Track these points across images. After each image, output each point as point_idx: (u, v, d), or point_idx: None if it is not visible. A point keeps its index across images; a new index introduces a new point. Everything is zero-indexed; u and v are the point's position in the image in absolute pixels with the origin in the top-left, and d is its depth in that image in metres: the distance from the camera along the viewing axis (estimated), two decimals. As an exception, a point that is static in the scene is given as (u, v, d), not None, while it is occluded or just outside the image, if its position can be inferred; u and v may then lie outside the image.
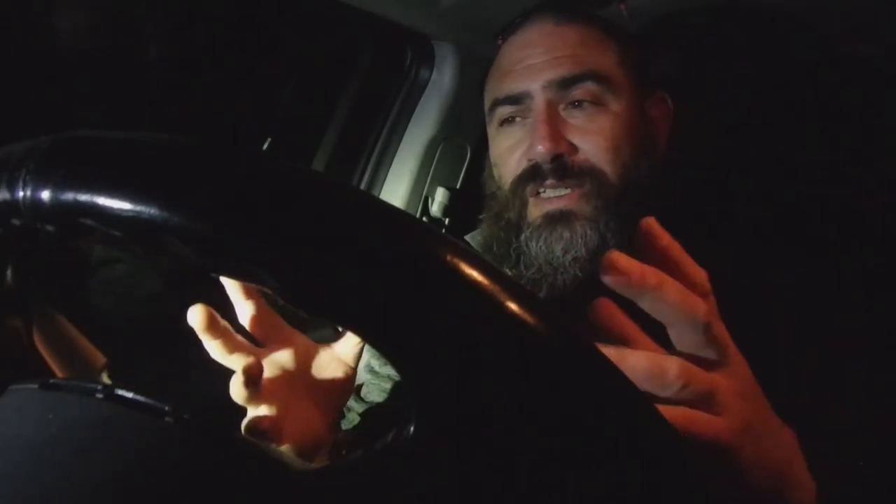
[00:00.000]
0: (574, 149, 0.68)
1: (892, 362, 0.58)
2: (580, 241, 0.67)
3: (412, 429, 0.25)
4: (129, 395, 0.27)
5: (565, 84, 0.69)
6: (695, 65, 1.06)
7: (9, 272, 0.33)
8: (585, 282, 0.67)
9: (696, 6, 0.95)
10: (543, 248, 0.68)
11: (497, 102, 0.74)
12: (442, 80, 1.15)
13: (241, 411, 0.52)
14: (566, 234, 0.67)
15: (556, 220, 0.68)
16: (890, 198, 1.07)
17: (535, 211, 0.70)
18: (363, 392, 0.82)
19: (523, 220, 0.71)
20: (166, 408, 0.26)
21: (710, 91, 1.06)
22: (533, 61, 0.71)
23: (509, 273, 0.73)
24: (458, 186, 1.23)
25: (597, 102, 0.69)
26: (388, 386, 0.78)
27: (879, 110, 1.08)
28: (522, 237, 0.70)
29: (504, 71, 0.74)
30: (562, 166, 0.68)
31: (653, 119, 0.74)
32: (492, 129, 0.77)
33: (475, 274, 0.23)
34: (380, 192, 1.20)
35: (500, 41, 0.78)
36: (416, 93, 1.17)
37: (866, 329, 0.62)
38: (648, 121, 0.73)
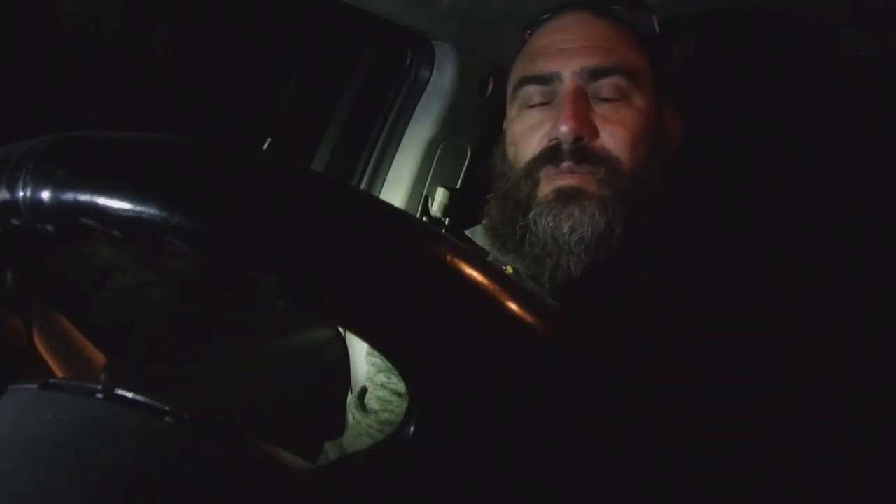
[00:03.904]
0: (596, 134, 0.68)
1: (892, 363, 0.59)
2: (588, 220, 0.66)
3: (412, 429, 0.25)
4: (129, 395, 0.27)
5: (596, 74, 0.69)
6: (697, 66, 1.06)
7: (9, 272, 0.33)
8: (588, 267, 0.67)
9: (696, 9, 0.95)
10: (551, 224, 0.67)
11: (524, 81, 0.73)
12: (442, 80, 1.15)
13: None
14: (576, 212, 0.67)
15: (568, 196, 0.68)
16: (892, 198, 1.07)
17: (547, 187, 0.70)
18: (366, 399, 0.81)
19: (533, 198, 0.70)
20: (166, 408, 0.26)
21: (713, 92, 1.06)
22: (566, 46, 0.71)
23: (513, 251, 0.73)
24: (458, 186, 1.23)
25: (622, 96, 0.69)
26: (393, 398, 0.78)
27: (883, 111, 1.08)
28: (531, 214, 0.69)
29: (535, 52, 0.74)
30: (581, 149, 0.68)
31: (667, 123, 0.75)
32: (513, 110, 0.76)
33: (476, 274, 0.23)
34: (380, 192, 1.20)
35: (527, 34, 0.79)
36: (416, 93, 1.17)
37: (868, 330, 0.62)
38: (663, 123, 0.74)
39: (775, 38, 1.03)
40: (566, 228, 0.67)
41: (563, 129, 0.67)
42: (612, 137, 0.68)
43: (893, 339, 0.61)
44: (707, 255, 0.68)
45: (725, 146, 1.10)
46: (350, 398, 0.84)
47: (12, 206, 0.27)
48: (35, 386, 0.29)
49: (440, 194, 1.20)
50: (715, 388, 0.54)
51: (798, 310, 0.61)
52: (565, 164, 0.68)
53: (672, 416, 0.26)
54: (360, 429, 0.79)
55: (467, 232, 0.83)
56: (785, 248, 0.70)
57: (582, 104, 0.69)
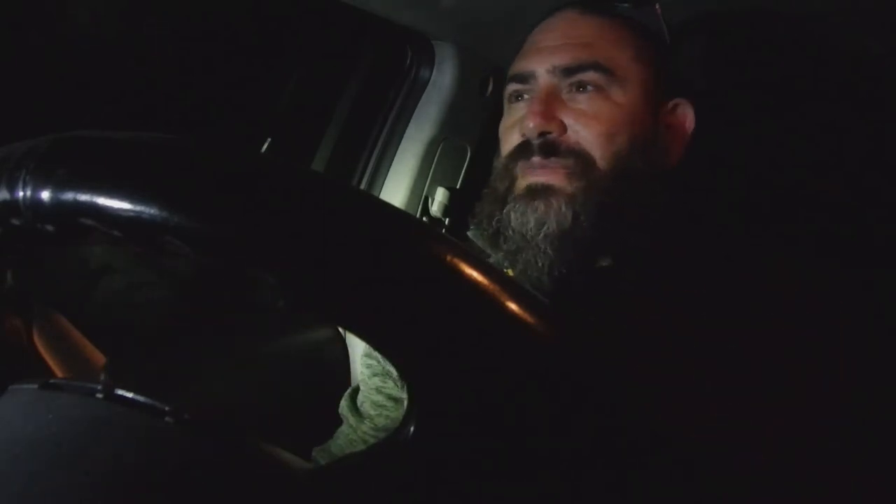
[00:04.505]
0: (564, 129, 0.69)
1: (892, 363, 0.59)
2: (552, 216, 0.67)
3: (412, 429, 0.25)
4: (129, 395, 0.27)
5: (569, 71, 0.70)
6: (697, 65, 1.06)
7: (9, 272, 0.33)
8: (556, 262, 0.67)
9: (696, 10, 0.95)
10: (520, 219, 0.68)
11: (509, 80, 0.76)
12: (442, 80, 1.15)
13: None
14: (541, 208, 0.67)
15: (536, 192, 0.68)
16: (892, 198, 1.07)
17: (522, 182, 0.71)
18: (359, 402, 0.81)
19: (510, 193, 0.71)
20: (166, 408, 0.26)
21: (712, 92, 1.06)
22: (545, 45, 0.72)
23: (490, 248, 0.74)
24: (458, 186, 1.23)
25: (598, 90, 0.69)
26: (388, 403, 0.78)
27: (883, 111, 1.08)
28: (506, 209, 0.71)
29: (522, 52, 0.76)
30: (548, 144, 0.68)
31: (667, 124, 0.74)
32: (505, 106, 0.78)
33: (476, 274, 0.23)
34: (380, 192, 1.19)
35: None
36: (416, 93, 1.17)
37: (868, 330, 0.62)
38: (660, 122, 0.73)
39: (775, 38, 1.03)
40: (532, 224, 0.67)
41: (529, 125, 0.68)
42: (583, 130, 0.68)
43: (893, 339, 0.61)
44: (707, 254, 0.67)
45: (725, 146, 1.10)
46: (342, 401, 0.83)
47: (12, 206, 0.27)
48: (35, 386, 0.29)
49: (440, 194, 1.20)
50: (715, 387, 0.54)
51: (798, 310, 0.61)
52: (535, 159, 0.69)
53: (672, 415, 0.26)
54: (354, 436, 0.79)
55: (469, 233, 0.83)
56: (785, 249, 0.69)
57: (549, 101, 0.69)
